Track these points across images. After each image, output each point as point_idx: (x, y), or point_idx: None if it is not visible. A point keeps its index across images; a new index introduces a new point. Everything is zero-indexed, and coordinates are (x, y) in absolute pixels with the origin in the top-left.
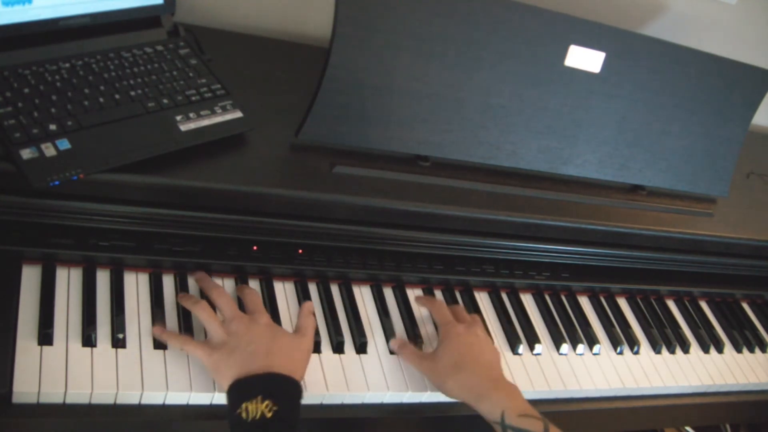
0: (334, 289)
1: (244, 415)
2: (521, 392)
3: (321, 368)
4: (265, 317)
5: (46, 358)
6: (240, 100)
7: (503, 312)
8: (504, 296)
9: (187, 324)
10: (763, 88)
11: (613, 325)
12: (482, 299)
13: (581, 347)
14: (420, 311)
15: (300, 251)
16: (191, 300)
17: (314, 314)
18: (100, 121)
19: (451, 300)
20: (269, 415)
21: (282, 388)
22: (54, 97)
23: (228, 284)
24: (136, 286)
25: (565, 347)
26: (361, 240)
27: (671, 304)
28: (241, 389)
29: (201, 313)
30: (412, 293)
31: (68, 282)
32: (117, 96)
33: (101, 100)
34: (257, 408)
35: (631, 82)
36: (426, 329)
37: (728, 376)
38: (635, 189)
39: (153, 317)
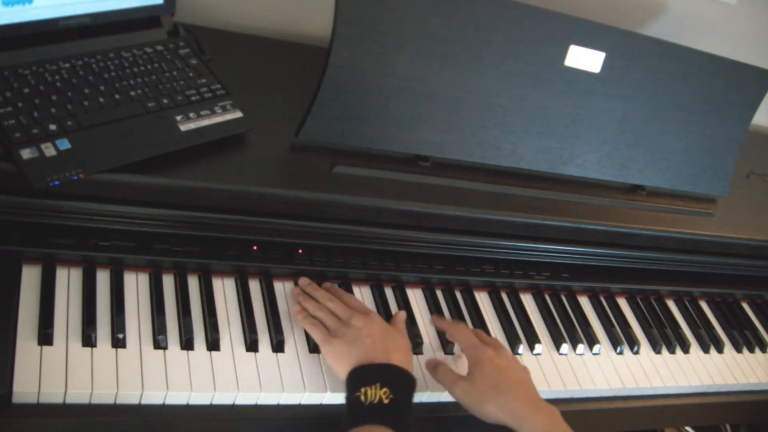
0: None
1: (362, 398)
2: (560, 414)
3: (321, 368)
4: (379, 316)
5: (46, 358)
6: (240, 100)
7: (503, 312)
8: (504, 296)
9: (187, 326)
10: (763, 88)
11: (613, 325)
12: (482, 299)
13: (581, 347)
14: (420, 312)
15: (300, 251)
16: (308, 303)
17: (405, 321)
18: (100, 121)
19: (451, 300)
20: (386, 401)
21: (399, 379)
22: (54, 97)
23: (228, 284)
24: (136, 286)
25: (565, 347)
26: (361, 240)
27: (671, 304)
28: (361, 375)
29: (317, 312)
30: (413, 293)
31: (68, 282)
32: (117, 96)
33: (101, 100)
34: (376, 393)
35: (631, 82)
36: (426, 329)
37: (728, 376)
38: (635, 189)
39: (153, 319)
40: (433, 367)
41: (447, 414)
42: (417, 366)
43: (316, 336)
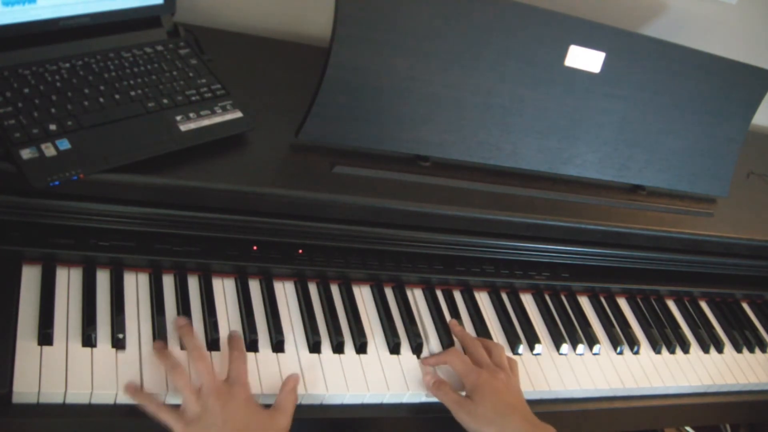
0: (334, 289)
1: None
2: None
3: (321, 368)
4: (244, 391)
5: (46, 358)
6: (240, 100)
7: (503, 312)
8: (504, 296)
9: None
10: (763, 88)
11: (613, 325)
12: (482, 299)
13: (581, 347)
14: (420, 312)
15: (300, 251)
16: (169, 362)
17: (296, 391)
18: (100, 121)
19: (451, 300)
20: None
21: None
22: (54, 97)
23: (228, 284)
24: (136, 286)
25: (565, 347)
26: (361, 240)
27: (671, 304)
28: None
29: (177, 381)
30: (412, 293)
31: (68, 282)
32: (117, 96)
33: (101, 100)
34: None
35: (631, 82)
36: (425, 329)
37: (728, 376)
38: (635, 189)
39: (153, 319)
40: (436, 385)
41: (447, 414)
42: (415, 366)
43: (168, 422)
